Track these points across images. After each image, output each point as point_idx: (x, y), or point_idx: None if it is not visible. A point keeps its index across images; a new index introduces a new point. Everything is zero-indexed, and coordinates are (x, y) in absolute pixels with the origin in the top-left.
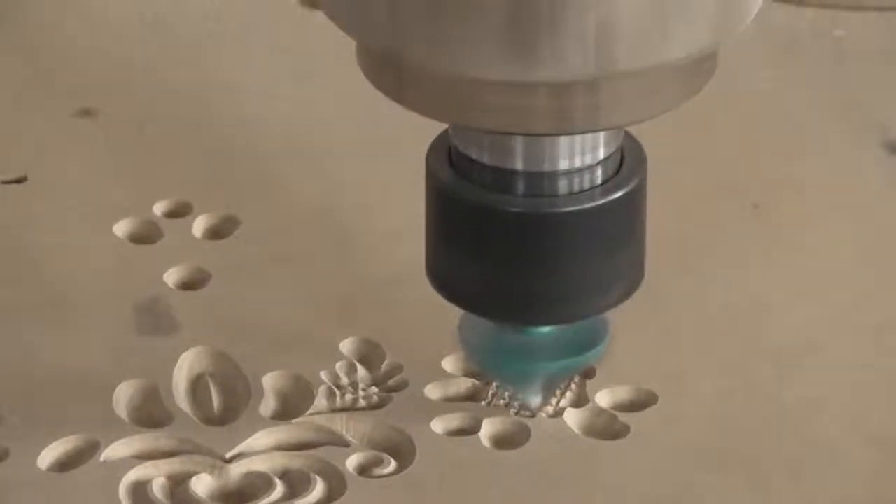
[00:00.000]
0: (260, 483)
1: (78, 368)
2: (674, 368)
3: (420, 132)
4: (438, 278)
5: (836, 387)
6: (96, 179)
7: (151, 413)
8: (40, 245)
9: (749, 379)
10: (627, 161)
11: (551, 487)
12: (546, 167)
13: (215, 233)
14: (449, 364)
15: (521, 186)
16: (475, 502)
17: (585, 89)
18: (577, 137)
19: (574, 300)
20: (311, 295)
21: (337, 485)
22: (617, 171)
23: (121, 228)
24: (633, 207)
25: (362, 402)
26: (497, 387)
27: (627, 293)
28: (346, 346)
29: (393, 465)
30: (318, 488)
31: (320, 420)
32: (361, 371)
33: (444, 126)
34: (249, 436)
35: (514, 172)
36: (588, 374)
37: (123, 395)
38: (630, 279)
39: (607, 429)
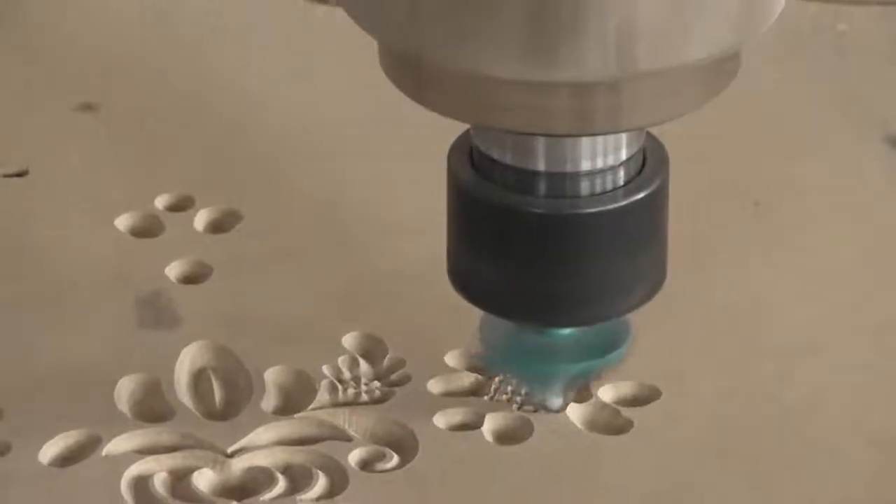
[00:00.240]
0: (262, 478)
1: (79, 362)
2: (675, 367)
3: (422, 128)
4: (459, 279)
5: (836, 387)
6: (98, 173)
7: (153, 407)
8: (41, 238)
9: (750, 378)
10: (650, 162)
11: (554, 482)
12: (568, 168)
13: (217, 227)
14: (451, 359)
15: (543, 187)
16: (478, 497)
17: (607, 90)
18: (599, 138)
19: (596, 301)
20: (313, 289)
21: (339, 479)
22: (639, 172)
23: (122, 222)
24: (655, 208)
25: (364, 397)
26: (500, 381)
27: (649, 294)
28: (349, 340)
29: (395, 459)
30: (320, 483)
31: (322, 415)
32: (364, 365)
33: (456, 124)
34: (251, 430)
35: (536, 173)
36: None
37: (125, 390)
38: (652, 280)
39: (610, 424)
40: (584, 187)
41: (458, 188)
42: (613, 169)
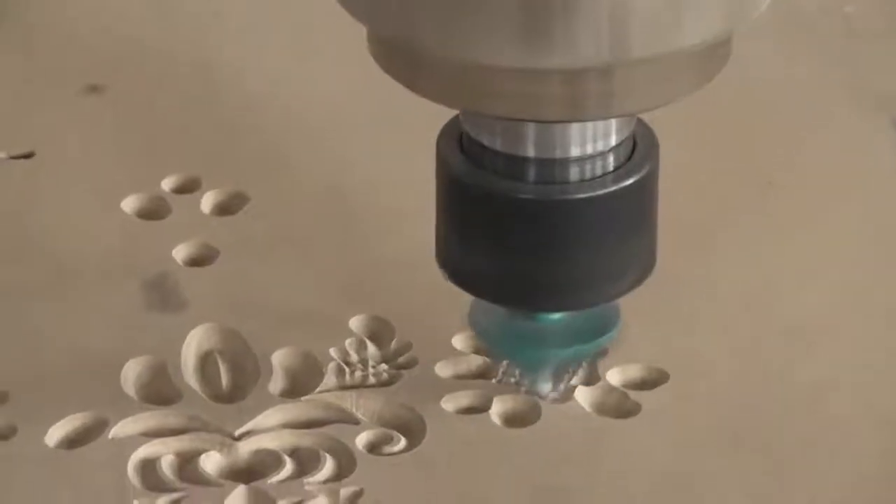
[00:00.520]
0: (269, 461)
1: (86, 345)
2: (686, 348)
3: (429, 110)
4: (448, 265)
5: (848, 367)
6: (104, 155)
7: (160, 390)
8: (48, 221)
9: (760, 360)
10: (639, 148)
11: (562, 466)
12: (558, 154)
13: (224, 209)
14: (459, 341)
15: (532, 173)
16: (485, 480)
17: (598, 76)
18: (589, 124)
19: (586, 287)
20: (320, 271)
21: (346, 463)
22: (629, 158)
23: (129, 204)
24: (645, 194)
25: (372, 380)
26: (508, 364)
27: (639, 280)
28: (356, 322)
29: (403, 442)
30: (328, 466)
31: (330, 397)
32: (371, 348)
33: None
34: (258, 413)
35: (525, 159)
36: (599, 352)
37: (132, 373)
38: (642, 266)
39: (618, 407)
40: (574, 173)
41: (448, 174)
42: (603, 155)
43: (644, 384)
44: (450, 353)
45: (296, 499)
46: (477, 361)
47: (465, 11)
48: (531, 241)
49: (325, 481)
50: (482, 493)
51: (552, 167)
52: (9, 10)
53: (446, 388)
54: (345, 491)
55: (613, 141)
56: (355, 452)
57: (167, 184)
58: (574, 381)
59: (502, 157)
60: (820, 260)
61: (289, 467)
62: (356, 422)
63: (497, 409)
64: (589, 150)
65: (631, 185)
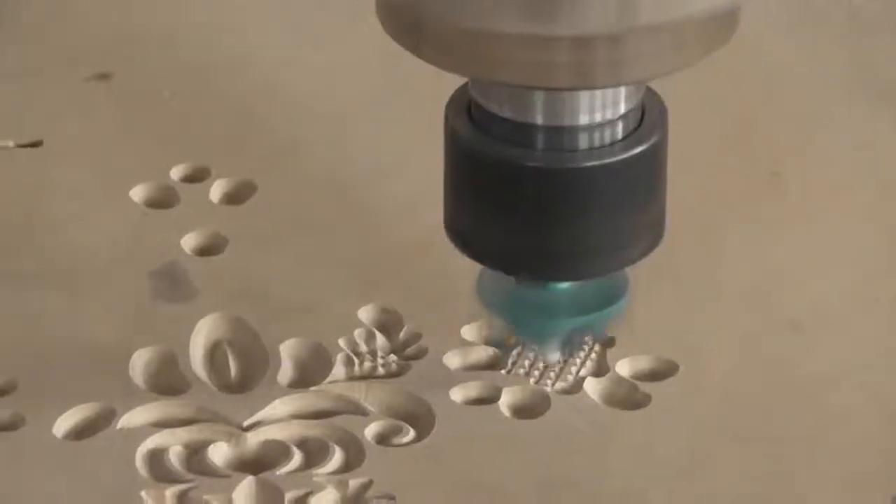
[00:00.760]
0: (277, 452)
1: (94, 335)
2: (693, 341)
3: (439, 98)
4: (457, 234)
5: (854, 360)
6: (112, 144)
7: (168, 380)
8: (56, 210)
9: (768, 352)
10: (648, 116)
11: (571, 457)
12: (566, 122)
13: (232, 198)
14: (468, 332)
15: (541, 141)
16: (494, 472)
17: (606, 43)
18: (598, 92)
19: (594, 256)
20: (329, 262)
21: (355, 454)
22: (638, 126)
23: (137, 194)
24: (653, 163)
25: (381, 371)
26: (517, 355)
27: (648, 249)
28: (365, 313)
29: (412, 433)
30: (337, 457)
31: (339, 388)
32: (380, 339)
33: (463, 81)
34: (267, 404)
35: (534, 127)
36: (608, 343)
37: (140, 362)
38: (651, 235)
39: (627, 399)
40: (583, 141)
41: (456, 142)
42: (612, 123)
43: (653, 375)
44: (459, 344)
45: (304, 490)
46: (486, 352)
47: None
48: (540, 210)
49: (334, 472)
50: (491, 485)
51: (561, 135)
52: None
53: (455, 378)
54: (353, 482)
55: (622, 109)
56: (364, 443)
57: (176, 173)
58: (583, 372)
59: (511, 125)
60: (827, 252)
61: (297, 458)
62: (365, 413)
63: (506, 400)
64: (598, 117)
65: (640, 153)
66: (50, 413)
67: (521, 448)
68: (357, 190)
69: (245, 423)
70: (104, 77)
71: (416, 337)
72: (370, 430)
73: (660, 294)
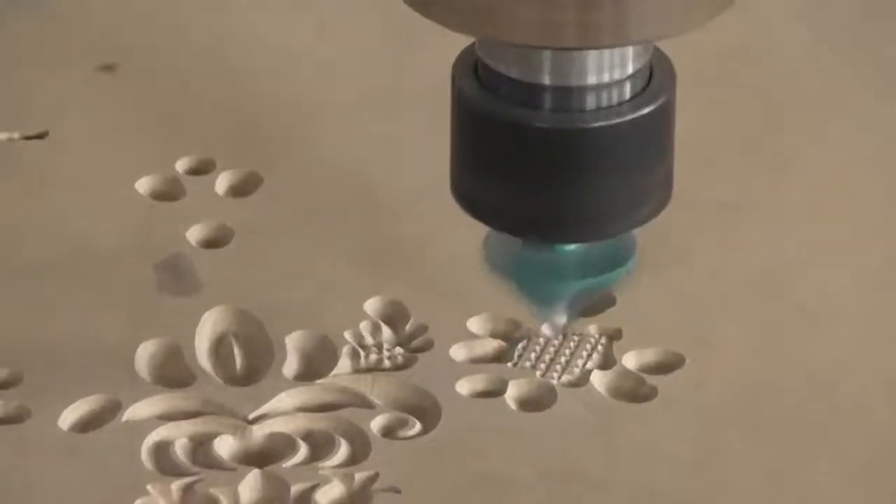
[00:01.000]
0: (283, 445)
1: (99, 327)
2: (701, 331)
3: (448, 89)
4: (464, 196)
5: (864, 349)
6: (118, 135)
7: (174, 373)
8: (61, 202)
9: (777, 342)
10: (656, 77)
11: (577, 450)
12: (574, 82)
13: (238, 190)
14: (475, 325)
15: (548, 101)
16: (501, 465)
17: (613, 2)
18: (606, 52)
19: (602, 217)
20: (335, 253)
21: (361, 447)
22: (646, 87)
23: (143, 185)
24: (661, 124)
25: (387, 363)
26: (523, 348)
27: (656, 211)
28: (371, 305)
29: (418, 426)
30: (342, 450)
31: (344, 381)
32: (386, 331)
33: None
34: (272, 397)
35: (542, 87)
36: (614, 335)
37: (145, 355)
38: (658, 197)
39: (634, 391)
40: (590, 101)
41: (463, 103)
42: (619, 83)
43: (660, 368)
44: (465, 337)
45: (310, 483)
46: (493, 345)
47: None
48: (547, 171)
49: (340, 465)
50: (497, 478)
51: (569, 95)
52: None
53: (461, 371)
54: (359, 475)
55: (630, 69)
56: (370, 436)
57: (181, 165)
58: (590, 365)
59: (518, 85)
60: (837, 241)
61: (303, 451)
62: (371, 406)
63: (512, 392)
64: (605, 78)
65: (647, 113)
66: (55, 405)
67: (528, 441)
68: (363, 182)
69: (251, 416)
70: (110, 69)
71: (422, 329)
72: (376, 423)
73: (667, 285)
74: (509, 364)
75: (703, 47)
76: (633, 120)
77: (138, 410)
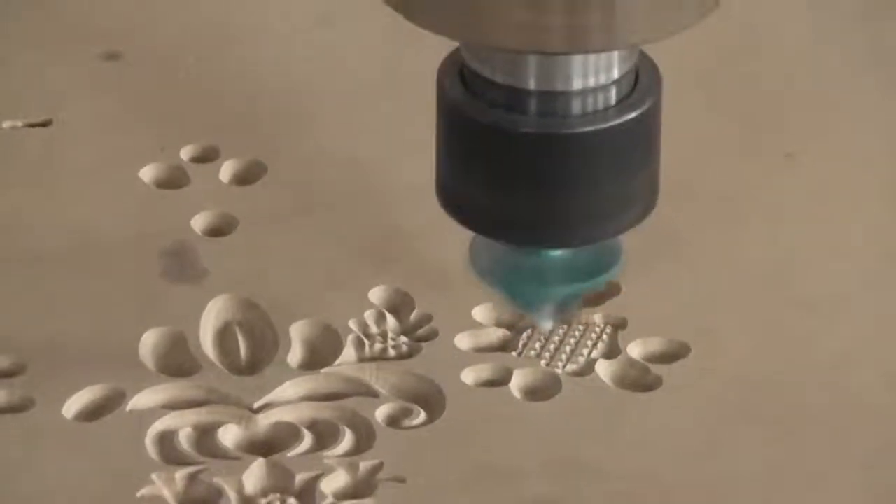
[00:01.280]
0: (288, 434)
1: (103, 315)
2: (705, 321)
3: None
4: (449, 199)
5: (868, 341)
6: (122, 123)
7: (178, 362)
8: (64, 189)
9: (781, 334)
10: (642, 81)
11: (582, 439)
12: (559, 87)
13: (242, 179)
14: (479, 314)
15: (533, 106)
16: (506, 454)
17: (600, 6)
18: (591, 57)
19: (587, 222)
20: (339, 242)
21: (366, 436)
22: (631, 92)
23: (147, 173)
24: (647, 128)
25: (391, 352)
26: (528, 337)
27: (641, 216)
28: (376, 294)
29: (423, 416)
30: (347, 439)
31: (349, 370)
32: (391, 320)
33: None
34: (277, 386)
35: (527, 92)
36: (619, 325)
37: (149, 344)
38: (644, 202)
39: (639, 381)
40: (576, 106)
41: (448, 107)
42: (605, 88)
43: (665, 357)
44: (470, 326)
45: (314, 472)
46: (497, 334)
47: None
48: (532, 175)
49: (345, 455)
50: (502, 467)
51: (554, 100)
52: None
53: (466, 360)
54: (364, 464)
55: (616, 74)
56: (375, 426)
57: (186, 153)
58: (594, 354)
59: (503, 90)
60: (840, 234)
61: (307, 441)
62: (375, 395)
63: (517, 382)
64: (591, 82)
65: (633, 118)
66: (60, 394)
67: (533, 430)
68: (368, 170)
69: (255, 405)
70: (114, 57)
71: (426, 318)
72: (381, 412)
73: (672, 275)
74: (514, 353)
75: (705, 40)
76: (618, 125)
77: (143, 399)
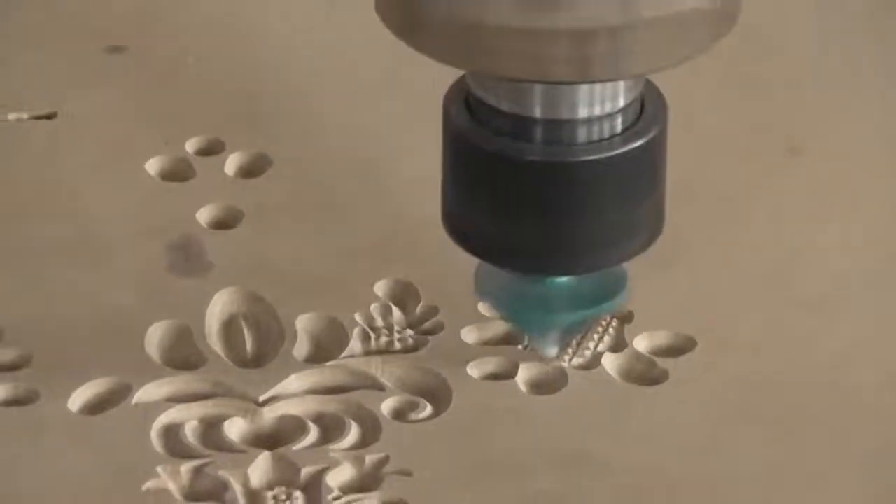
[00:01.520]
0: (293, 427)
1: (108, 308)
2: (711, 316)
3: (457, 73)
4: (455, 228)
5: (871, 339)
6: (127, 116)
7: (183, 355)
8: (70, 182)
9: (786, 330)
10: (648, 110)
11: (588, 433)
12: (565, 115)
13: (247, 171)
14: (485, 307)
15: (539, 134)
16: (511, 448)
17: (607, 37)
18: (597, 85)
19: (592, 250)
20: (345, 236)
21: (372, 429)
22: (637, 120)
23: (152, 166)
24: (652, 156)
25: (397, 345)
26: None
27: (647, 244)
28: (381, 287)
29: (429, 409)
30: (353, 433)
31: (355, 363)
32: (396, 313)
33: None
34: (283, 379)
35: (533, 120)
36: (626, 318)
37: (155, 337)
38: (649, 229)
39: (645, 374)
40: (581, 134)
41: (454, 135)
42: (611, 116)
43: (671, 351)
44: (476, 319)
45: (320, 466)
46: (503, 327)
47: None
48: (538, 203)
49: (350, 448)
50: (508, 461)
51: (559, 128)
52: None
53: (472, 353)
54: (370, 458)
55: (622, 102)
56: (381, 419)
57: (191, 146)
58: (601, 347)
59: (509, 118)
60: (845, 231)
61: (313, 434)
62: (381, 388)
63: (523, 375)
64: (597, 111)
65: (639, 147)
66: (65, 387)
67: (538, 424)
68: (374, 163)
69: (261, 399)
70: (119, 49)
71: (432, 311)
72: (386, 406)
73: (678, 270)
74: (520, 347)
75: None
76: (624, 153)
77: (148, 392)
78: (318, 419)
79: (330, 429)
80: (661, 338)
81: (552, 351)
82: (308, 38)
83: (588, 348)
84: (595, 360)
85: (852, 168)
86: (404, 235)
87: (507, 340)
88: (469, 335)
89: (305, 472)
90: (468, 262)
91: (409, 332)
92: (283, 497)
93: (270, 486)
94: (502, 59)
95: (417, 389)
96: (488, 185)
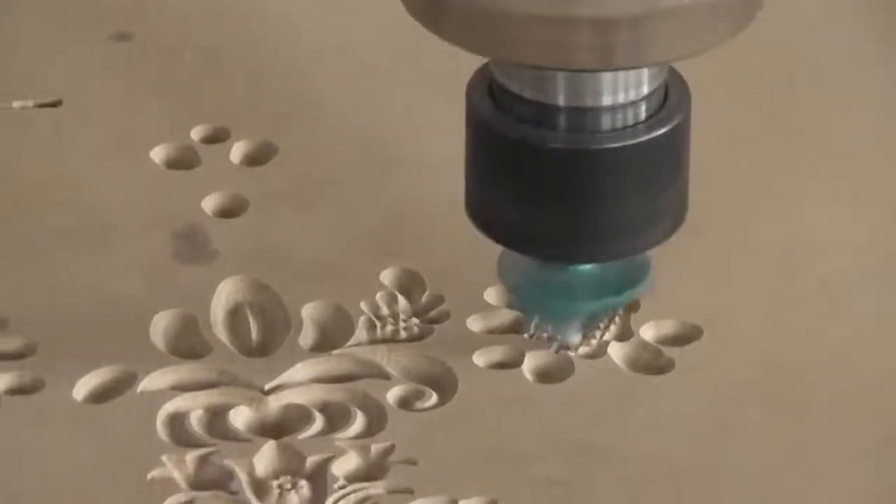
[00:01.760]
0: (299, 416)
1: (113, 297)
2: (718, 305)
3: (466, 58)
4: (478, 215)
5: (881, 324)
6: (132, 104)
7: (189, 343)
8: (75, 170)
9: (793, 316)
10: (671, 97)
11: (594, 422)
12: (589, 103)
13: (253, 160)
14: (491, 296)
15: (563, 122)
16: (517, 436)
17: (629, 25)
18: (621, 73)
19: (616, 238)
20: (350, 224)
21: (377, 418)
22: (661, 108)
23: (157, 154)
24: (676, 144)
25: (403, 334)
26: (540, 319)
27: (670, 231)
28: (387, 276)
29: (434, 398)
30: (359, 421)
31: (360, 352)
32: (402, 302)
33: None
34: (288, 367)
35: (556, 108)
36: (632, 307)
37: (160, 325)
38: (673, 217)
39: (652, 363)
40: (605, 122)
41: (477, 122)
42: (635, 104)
43: (677, 339)
44: (482, 308)
45: (326, 455)
46: (509, 316)
47: None
48: (562, 191)
49: (356, 437)
50: (514, 450)
51: (583, 116)
52: None
53: (478, 342)
54: (375, 447)
55: (646, 90)
56: (386, 408)
57: (196, 133)
58: (607, 336)
59: (533, 106)
60: (856, 217)
61: (319, 423)
62: (387, 377)
63: (529, 364)
64: (620, 98)
65: (662, 134)
66: (70, 376)
67: (545, 412)
68: (380, 152)
69: (266, 387)
70: (125, 37)
71: (438, 300)
72: (392, 395)
73: (684, 257)
74: (526, 335)
75: None
76: (647, 140)
77: (153, 381)
78: (324, 408)
79: (335, 417)
80: (668, 327)
81: (575, 339)
82: (315, 25)
83: (594, 337)
84: (601, 349)
85: (861, 153)
86: (410, 224)
87: (513, 329)
88: (475, 324)
89: (311, 460)
90: (474, 251)
91: (415, 320)
92: (289, 486)
93: (276, 475)
94: (525, 46)
95: (423, 378)
96: (511, 173)
